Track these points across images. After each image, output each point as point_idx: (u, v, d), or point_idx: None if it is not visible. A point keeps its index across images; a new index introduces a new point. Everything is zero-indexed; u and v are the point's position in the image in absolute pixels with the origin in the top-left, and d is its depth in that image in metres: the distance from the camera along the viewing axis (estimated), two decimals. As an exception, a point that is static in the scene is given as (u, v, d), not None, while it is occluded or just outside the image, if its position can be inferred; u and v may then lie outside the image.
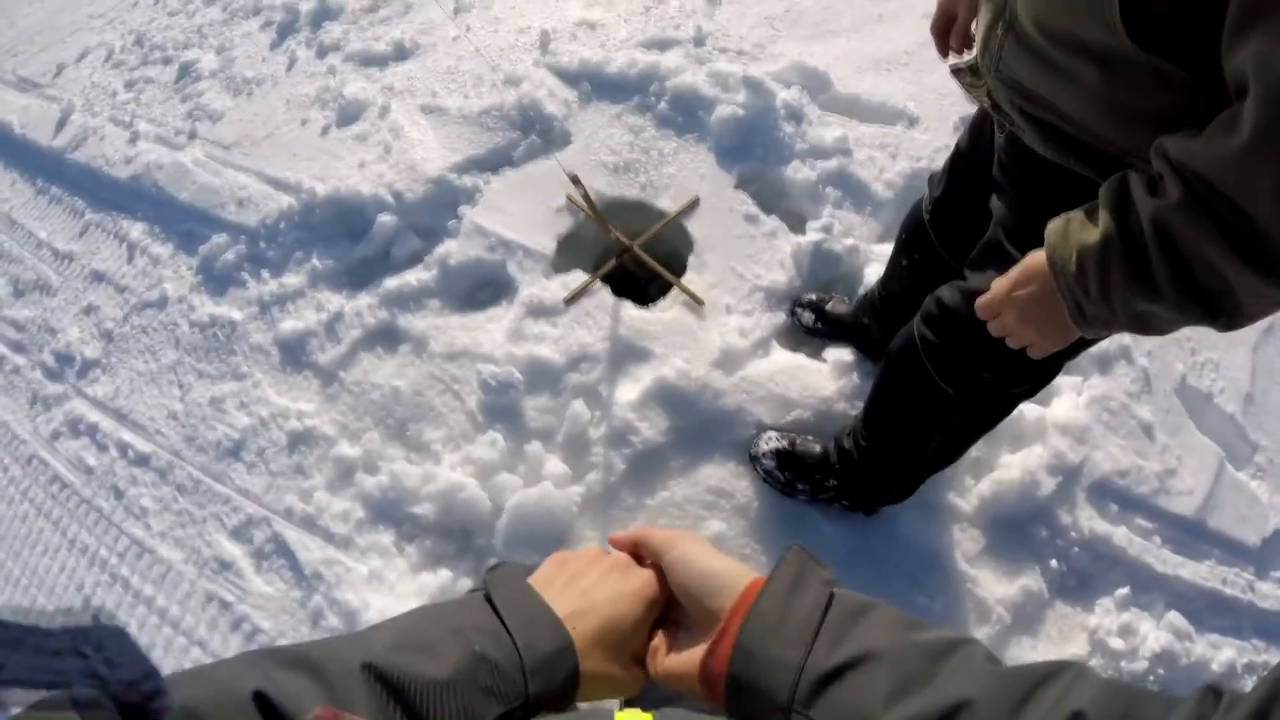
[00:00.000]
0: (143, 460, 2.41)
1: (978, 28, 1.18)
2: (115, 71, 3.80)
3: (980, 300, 1.08)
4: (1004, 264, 1.24)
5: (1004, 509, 1.98)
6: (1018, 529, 1.99)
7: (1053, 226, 0.94)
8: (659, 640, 0.61)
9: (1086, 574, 1.99)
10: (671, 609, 0.62)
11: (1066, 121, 1.01)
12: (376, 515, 2.10)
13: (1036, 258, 0.97)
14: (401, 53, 3.02)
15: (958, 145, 1.55)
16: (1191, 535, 2.08)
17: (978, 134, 1.45)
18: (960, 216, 1.55)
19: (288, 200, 2.66)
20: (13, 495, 2.52)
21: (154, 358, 2.62)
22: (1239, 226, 0.73)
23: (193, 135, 3.13)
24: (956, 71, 1.31)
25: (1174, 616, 1.95)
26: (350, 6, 3.28)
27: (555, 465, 2.04)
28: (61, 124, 3.62)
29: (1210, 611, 2.02)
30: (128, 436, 2.48)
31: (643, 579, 0.61)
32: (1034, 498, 1.98)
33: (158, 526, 2.29)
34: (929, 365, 1.46)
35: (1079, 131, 1.01)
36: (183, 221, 2.88)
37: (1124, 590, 1.97)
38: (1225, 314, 0.81)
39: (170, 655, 2.08)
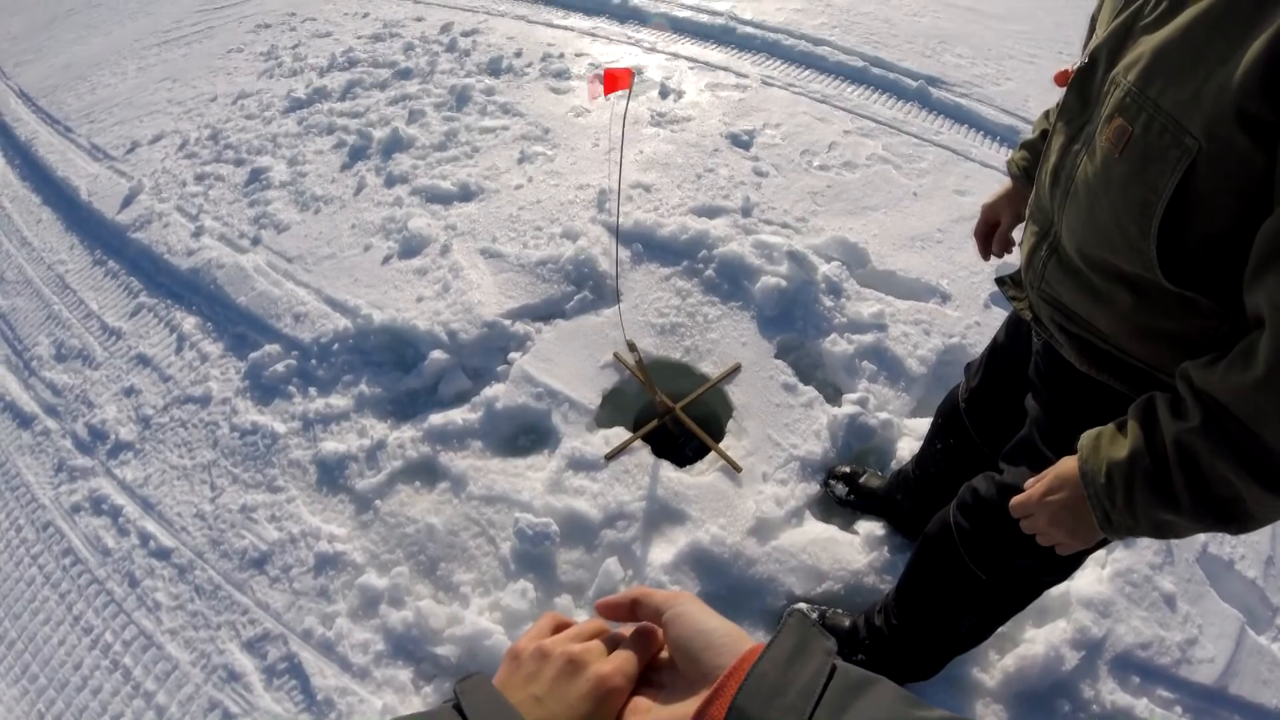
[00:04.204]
0: (164, 554, 2.31)
1: (1023, 247, 1.23)
2: (188, 162, 3.84)
3: (1014, 501, 1.10)
4: (1037, 461, 1.26)
5: (1027, 684, 1.91)
6: (1041, 703, 1.91)
7: (1085, 440, 0.97)
8: (639, 701, 0.56)
9: None
10: (655, 670, 0.58)
11: (1101, 339, 1.06)
12: (397, 650, 2.00)
13: (1068, 466, 1.00)
14: (466, 194, 3.06)
15: (995, 339, 1.57)
16: (1213, 703, 1.99)
17: (1014, 331, 1.48)
18: (996, 407, 1.57)
19: (344, 322, 2.64)
20: (22, 557, 2.42)
21: (189, 453, 2.55)
22: (1252, 448, 0.78)
23: (257, 241, 3.13)
24: (1000, 283, 1.35)
25: (1196, 785, 1.85)
26: (421, 141, 3.34)
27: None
28: (128, 201, 3.63)
29: (1236, 780, 1.94)
30: (151, 527, 2.39)
31: (597, 676, 0.55)
32: (1057, 672, 1.92)
33: (169, 623, 2.18)
34: (963, 551, 1.45)
35: (1112, 348, 1.05)
36: (236, 324, 2.85)
37: (1146, 761, 1.88)
38: (1237, 522, 0.84)
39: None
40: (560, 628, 0.59)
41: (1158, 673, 1.99)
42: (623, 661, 0.55)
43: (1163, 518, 0.88)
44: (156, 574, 2.26)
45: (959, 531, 1.45)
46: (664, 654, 0.57)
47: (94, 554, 2.34)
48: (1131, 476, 0.88)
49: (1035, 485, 1.06)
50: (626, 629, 0.60)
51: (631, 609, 0.58)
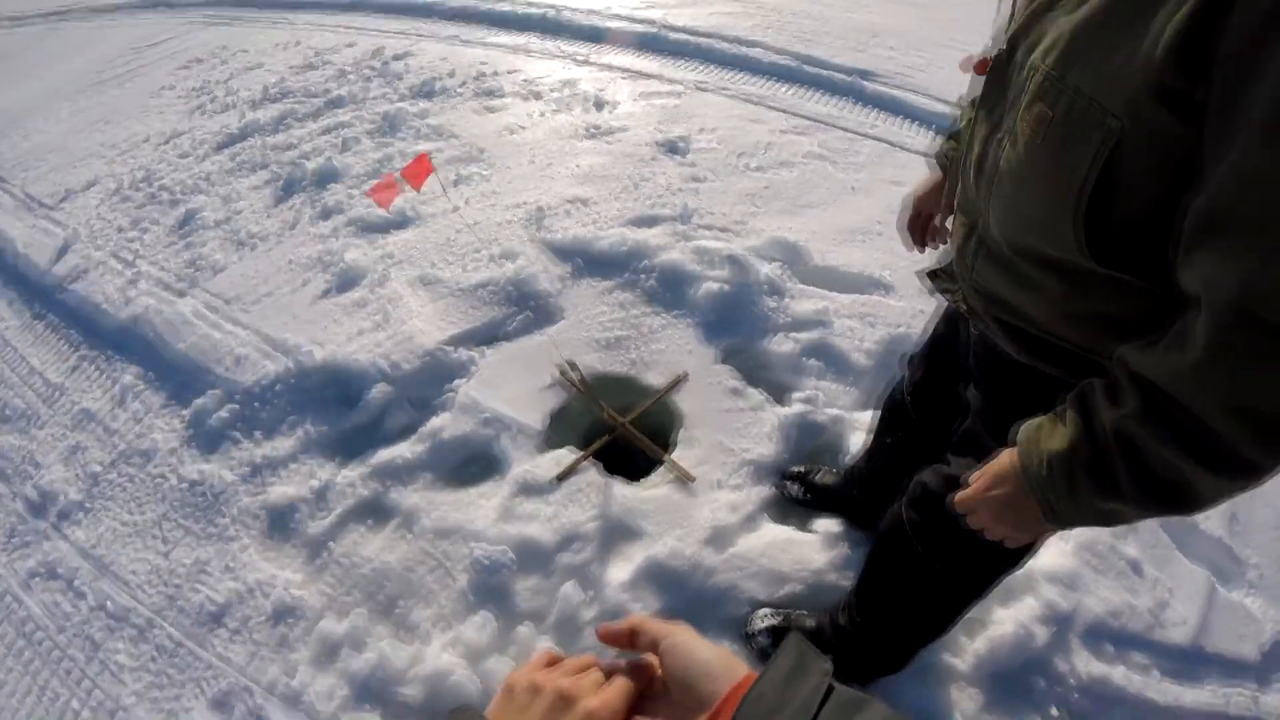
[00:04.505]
0: (122, 615, 2.23)
1: (952, 238, 1.21)
2: (121, 207, 3.74)
3: (957, 498, 1.07)
4: (981, 452, 1.23)
5: (1000, 664, 1.90)
6: (1015, 682, 1.90)
7: (1023, 433, 0.95)
8: None
9: (1088, 717, 1.89)
10: (653, 700, 0.59)
11: (1035, 326, 1.03)
12: (363, 694, 1.93)
13: (1008, 460, 0.98)
14: (402, 221, 3.00)
15: (934, 330, 1.56)
16: (1189, 662, 2.00)
17: (952, 321, 1.46)
18: (939, 398, 1.54)
19: (284, 362, 2.58)
20: (-19, 630, 2.31)
21: (139, 509, 2.47)
22: (1194, 430, 0.75)
23: (193, 285, 3.05)
24: (932, 275, 1.33)
25: (1180, 745, 1.85)
26: (354, 170, 3.28)
27: (547, 648, 1.90)
28: (63, 251, 3.53)
29: (1218, 734, 1.95)
30: (108, 588, 2.31)
31: (585, 711, 0.56)
32: (1029, 649, 1.91)
33: (134, 685, 2.10)
34: (917, 545, 1.43)
35: (1047, 334, 1.03)
36: (177, 372, 2.76)
37: (1127, 728, 1.88)
38: (1185, 505, 0.82)
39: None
40: (554, 662, 0.60)
41: (1131, 639, 2.00)
42: (611, 696, 0.56)
43: (1107, 507, 0.86)
44: (117, 636, 2.17)
45: (911, 526, 1.43)
46: (660, 681, 0.58)
47: (54, 620, 2.25)
48: (1072, 467, 0.86)
49: (976, 481, 1.04)
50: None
51: (630, 637, 0.60)
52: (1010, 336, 1.09)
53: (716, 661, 0.54)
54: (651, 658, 0.59)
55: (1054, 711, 1.87)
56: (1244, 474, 0.76)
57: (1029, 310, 1.02)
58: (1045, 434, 0.91)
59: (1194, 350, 0.73)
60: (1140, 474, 0.81)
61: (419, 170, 1.78)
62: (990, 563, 1.39)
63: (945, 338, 1.50)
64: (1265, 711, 1.96)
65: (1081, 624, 1.99)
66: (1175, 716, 1.91)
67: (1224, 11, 0.65)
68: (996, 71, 1.03)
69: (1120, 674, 1.93)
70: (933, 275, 1.34)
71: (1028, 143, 0.89)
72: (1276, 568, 2.15)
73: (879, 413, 1.87)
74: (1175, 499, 0.81)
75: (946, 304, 1.48)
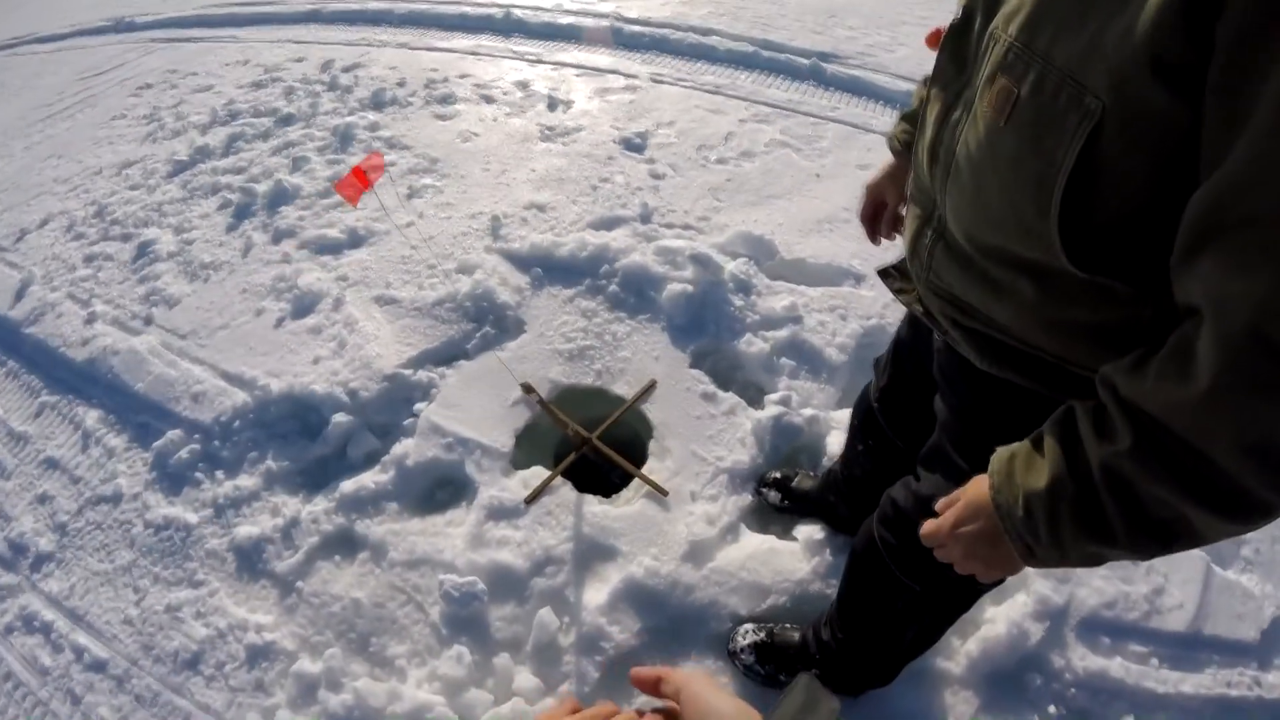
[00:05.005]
0: (99, 666, 2.16)
1: (905, 233, 1.10)
2: (76, 244, 3.63)
3: (924, 530, 0.96)
4: (950, 469, 1.16)
5: (994, 664, 1.85)
6: (1011, 681, 1.85)
7: (995, 465, 0.84)
8: None
9: (1087, 712, 1.85)
10: None
11: (1002, 332, 0.92)
12: (342, 736, 1.87)
13: (979, 492, 0.86)
14: (355, 240, 2.90)
15: (898, 333, 1.47)
16: (1188, 648, 1.95)
17: (916, 323, 1.36)
18: (909, 404, 1.45)
19: (242, 397, 2.49)
20: (-36, 689, 2.23)
21: (108, 557, 2.39)
22: (1198, 469, 0.64)
23: (149, 321, 2.95)
24: (885, 275, 1.22)
25: (1183, 733, 1.81)
26: (305, 190, 3.17)
27: (526, 678, 1.85)
28: (20, 294, 3.42)
29: (1220, 718, 1.88)
30: (83, 639, 2.24)
31: None
32: (1023, 647, 1.86)
33: (115, 737, 2.03)
34: (892, 566, 1.35)
35: (1015, 342, 0.91)
36: (138, 412, 2.68)
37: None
38: (1184, 546, 0.72)
39: None
40: (576, 710, 0.62)
41: (1127, 629, 1.94)
42: None
43: (1095, 549, 0.76)
44: (96, 688, 2.11)
45: (884, 545, 1.35)
46: None
47: (33, 675, 2.18)
48: (1055, 508, 0.75)
49: (945, 514, 0.93)
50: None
51: (656, 684, 0.62)
52: (973, 343, 0.97)
53: (732, 710, 0.56)
54: (673, 705, 0.60)
55: (1052, 709, 1.82)
56: (1255, 516, 0.66)
57: (995, 315, 0.91)
58: (1021, 467, 0.80)
59: (1199, 379, 0.62)
60: (1134, 516, 0.71)
61: (357, 182, 1.69)
62: (970, 581, 1.30)
63: (909, 341, 1.40)
64: (1268, 689, 1.92)
65: (1076, 617, 1.93)
66: (1176, 705, 1.86)
67: None
68: (951, 43, 0.93)
69: (1118, 665, 1.88)
70: (884, 274, 1.23)
71: (990, 125, 0.79)
72: (1271, 543, 2.10)
73: (850, 420, 1.79)
74: (1173, 540, 0.71)
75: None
